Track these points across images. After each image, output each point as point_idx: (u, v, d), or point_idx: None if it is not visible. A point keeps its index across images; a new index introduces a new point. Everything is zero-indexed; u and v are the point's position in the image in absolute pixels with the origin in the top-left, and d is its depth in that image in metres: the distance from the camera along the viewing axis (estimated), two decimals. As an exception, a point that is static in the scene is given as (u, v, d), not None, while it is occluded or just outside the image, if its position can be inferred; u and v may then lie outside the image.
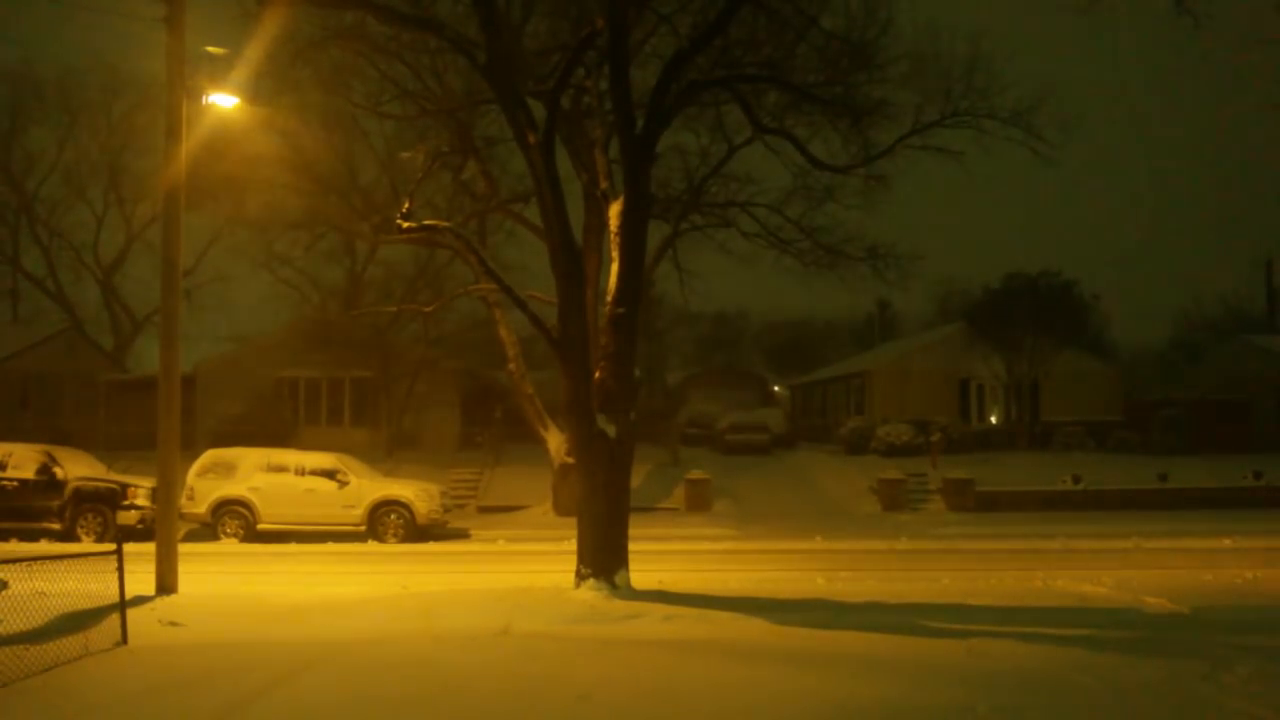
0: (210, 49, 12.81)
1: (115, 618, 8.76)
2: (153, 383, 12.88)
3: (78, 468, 19.40)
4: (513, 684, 7.35)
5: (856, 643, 8.92)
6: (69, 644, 8.09)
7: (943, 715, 6.55)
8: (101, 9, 12.55)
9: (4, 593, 8.20)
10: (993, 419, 34.14)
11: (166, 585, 11.57)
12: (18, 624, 7.89)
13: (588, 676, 7.52)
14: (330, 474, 19.66)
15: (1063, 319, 30.93)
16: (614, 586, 11.14)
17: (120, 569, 8.86)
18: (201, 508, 19.25)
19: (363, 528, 19.36)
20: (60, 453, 19.67)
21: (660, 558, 14.95)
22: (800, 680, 7.45)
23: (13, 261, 36.37)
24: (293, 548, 18.19)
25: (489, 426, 30.34)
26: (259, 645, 8.80)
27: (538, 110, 11.98)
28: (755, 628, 9.64)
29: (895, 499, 24.39)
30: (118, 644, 8.58)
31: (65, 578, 8.36)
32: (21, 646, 7.59)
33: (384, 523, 19.39)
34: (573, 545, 11.77)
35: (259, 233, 27.35)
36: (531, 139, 11.51)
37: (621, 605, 10.66)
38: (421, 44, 16.68)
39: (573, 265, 11.85)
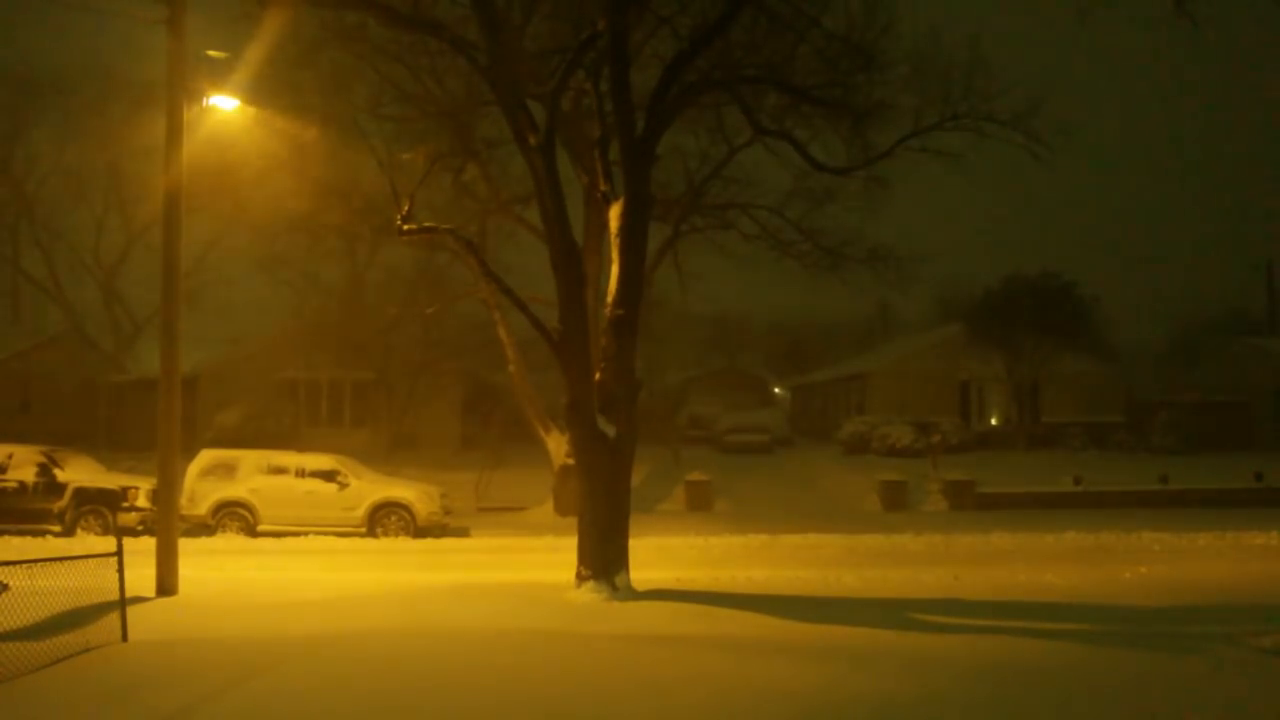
0: (211, 53, 12.83)
1: (115, 615, 8.81)
2: (153, 384, 12.90)
3: (78, 469, 19.41)
4: (509, 680, 7.36)
5: (856, 637, 8.97)
6: (70, 640, 8.17)
7: (941, 706, 6.57)
8: (102, 11, 12.56)
9: (6, 593, 8.23)
10: (993, 420, 34.15)
11: (167, 586, 11.59)
12: (20, 622, 7.93)
13: (586, 673, 7.53)
14: (330, 476, 19.64)
15: (1063, 320, 30.92)
16: (614, 588, 11.14)
17: (120, 568, 8.91)
18: (202, 509, 19.25)
19: (363, 529, 19.35)
20: (60, 454, 19.69)
21: (661, 558, 14.95)
22: (801, 673, 7.48)
23: (13, 263, 36.37)
24: (292, 544, 18.19)
25: (489, 428, 30.34)
26: (255, 641, 8.84)
27: (538, 112, 11.98)
28: (756, 624, 9.67)
29: (896, 500, 24.39)
30: (118, 641, 8.62)
31: (66, 578, 8.42)
32: (24, 643, 7.65)
33: (384, 525, 19.39)
34: (573, 546, 11.77)
35: (259, 235, 27.35)
36: (532, 141, 11.52)
37: (621, 605, 10.68)
38: (422, 46, 16.69)
39: (573, 267, 11.86)
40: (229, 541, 18.70)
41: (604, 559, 11.27)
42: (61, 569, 8.40)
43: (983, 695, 6.77)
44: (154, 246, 12.27)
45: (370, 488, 19.82)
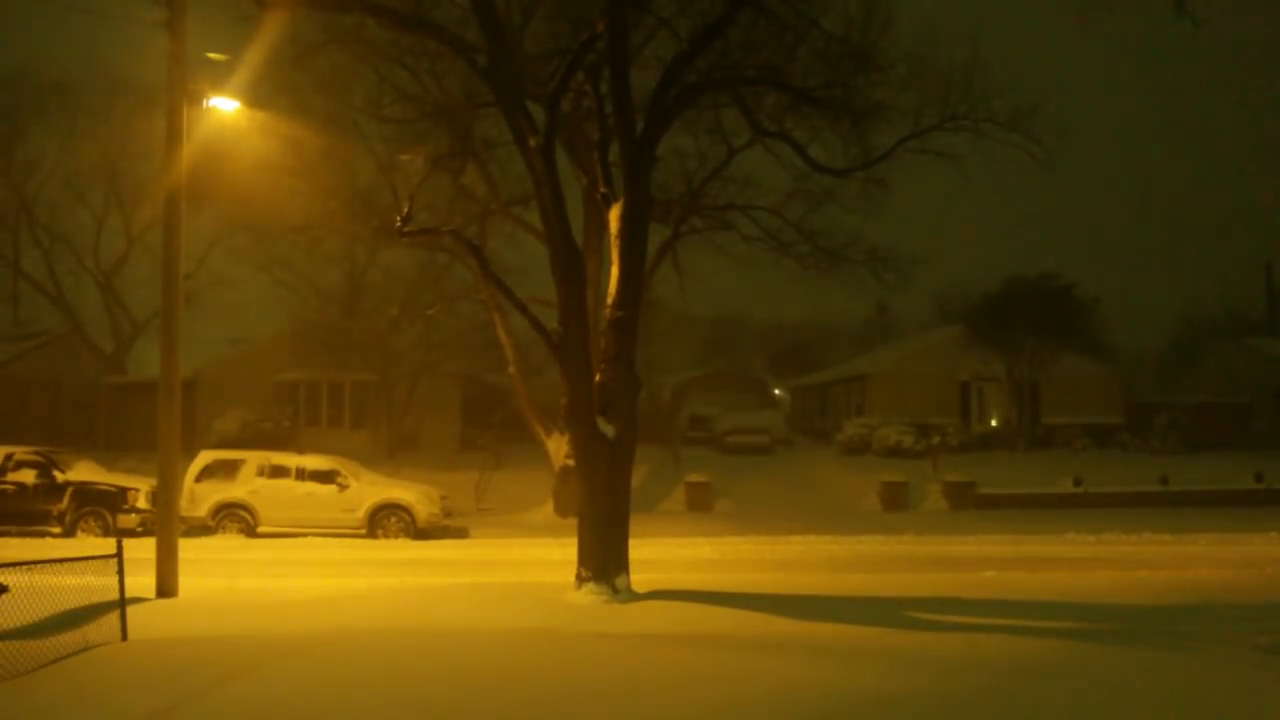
0: (211, 55, 12.84)
1: (115, 616, 8.83)
2: (153, 386, 12.90)
3: (78, 471, 19.40)
4: (508, 680, 7.36)
5: (857, 636, 9.00)
6: (70, 640, 8.21)
7: (942, 702, 6.58)
8: (102, 12, 12.59)
9: (6, 594, 8.24)
10: (993, 421, 34.14)
11: (166, 587, 11.58)
12: (20, 622, 7.94)
13: (586, 673, 7.53)
14: (330, 477, 19.65)
15: (1063, 321, 30.94)
16: (614, 589, 11.14)
17: (120, 568, 8.92)
18: (201, 510, 19.25)
19: (363, 531, 19.35)
20: (60, 456, 19.69)
21: (661, 559, 14.95)
22: (802, 672, 7.49)
23: (13, 264, 36.38)
24: (292, 545, 18.19)
25: (489, 429, 30.33)
26: (254, 638, 8.88)
27: (537, 113, 11.99)
28: (756, 624, 9.68)
29: (897, 500, 24.41)
30: (118, 640, 8.63)
31: (66, 579, 8.45)
32: (24, 643, 7.67)
33: (384, 526, 19.39)
34: (573, 547, 11.77)
35: (259, 236, 27.37)
36: (531, 142, 11.52)
37: (621, 606, 10.68)
38: (421, 47, 16.70)
39: (573, 268, 11.87)
40: (229, 543, 18.69)
41: (604, 560, 11.27)
42: (61, 570, 8.40)
43: (983, 692, 6.79)
44: (154, 247, 12.32)
45: (370, 489, 19.83)
